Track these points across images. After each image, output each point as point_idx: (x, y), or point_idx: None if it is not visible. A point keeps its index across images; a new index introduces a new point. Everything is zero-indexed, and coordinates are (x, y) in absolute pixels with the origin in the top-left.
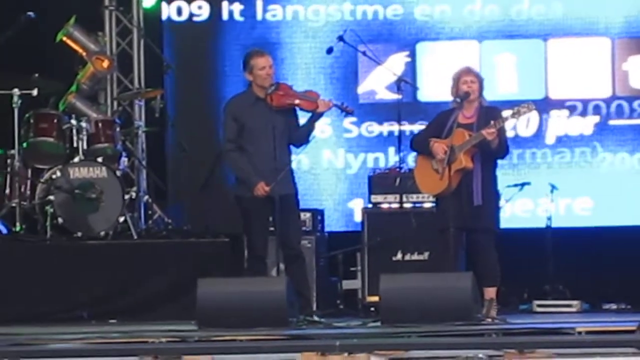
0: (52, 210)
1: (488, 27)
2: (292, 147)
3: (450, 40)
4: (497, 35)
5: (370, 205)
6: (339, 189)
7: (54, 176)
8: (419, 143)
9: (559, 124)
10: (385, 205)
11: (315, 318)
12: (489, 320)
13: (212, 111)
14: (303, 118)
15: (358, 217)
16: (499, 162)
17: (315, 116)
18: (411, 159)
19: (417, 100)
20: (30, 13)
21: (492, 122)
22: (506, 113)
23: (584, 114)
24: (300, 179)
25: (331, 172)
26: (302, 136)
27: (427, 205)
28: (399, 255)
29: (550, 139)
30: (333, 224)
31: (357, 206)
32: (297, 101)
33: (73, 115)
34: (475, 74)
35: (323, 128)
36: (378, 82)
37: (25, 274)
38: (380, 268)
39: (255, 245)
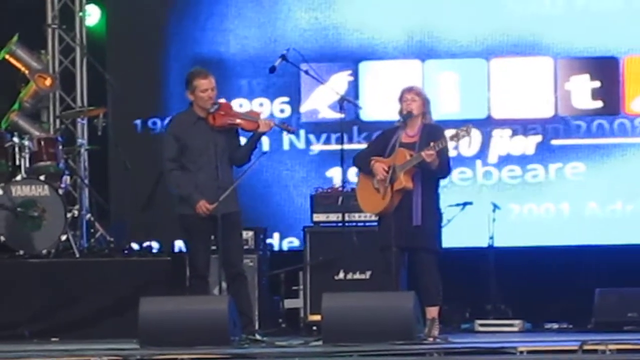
0: None
1: (431, 46)
2: (233, 164)
3: (393, 59)
4: (439, 54)
5: (312, 224)
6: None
7: None
8: (360, 161)
9: (502, 143)
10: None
11: (257, 337)
12: (431, 339)
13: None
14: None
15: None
16: (441, 181)
17: (256, 136)
18: (353, 177)
19: (360, 119)
20: None
21: (431, 143)
22: (447, 133)
23: (526, 133)
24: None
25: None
26: (244, 156)
27: (370, 224)
28: (341, 274)
29: (492, 158)
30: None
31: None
32: (238, 121)
33: (15, 133)
34: (416, 92)
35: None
36: (321, 101)
37: None
38: (322, 287)
39: (197, 264)
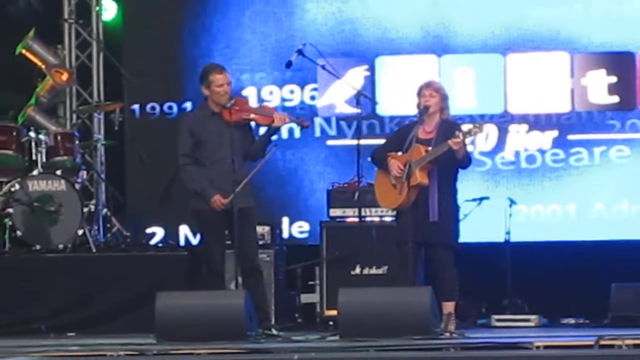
0: (10, 223)
1: (447, 41)
2: (248, 159)
3: (409, 54)
4: (456, 49)
5: (328, 219)
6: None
7: (12, 189)
8: (378, 157)
9: (518, 138)
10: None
11: (274, 332)
12: (447, 334)
13: (171, 124)
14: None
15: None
16: (459, 175)
17: (271, 131)
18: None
19: (377, 114)
20: None
21: (456, 132)
22: (463, 128)
23: (542, 128)
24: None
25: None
26: (258, 150)
27: (387, 219)
28: (358, 269)
29: (509, 153)
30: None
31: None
32: (252, 116)
33: (32, 128)
34: (434, 87)
35: None
36: (337, 96)
37: None
38: (338, 282)
39: (212, 259)
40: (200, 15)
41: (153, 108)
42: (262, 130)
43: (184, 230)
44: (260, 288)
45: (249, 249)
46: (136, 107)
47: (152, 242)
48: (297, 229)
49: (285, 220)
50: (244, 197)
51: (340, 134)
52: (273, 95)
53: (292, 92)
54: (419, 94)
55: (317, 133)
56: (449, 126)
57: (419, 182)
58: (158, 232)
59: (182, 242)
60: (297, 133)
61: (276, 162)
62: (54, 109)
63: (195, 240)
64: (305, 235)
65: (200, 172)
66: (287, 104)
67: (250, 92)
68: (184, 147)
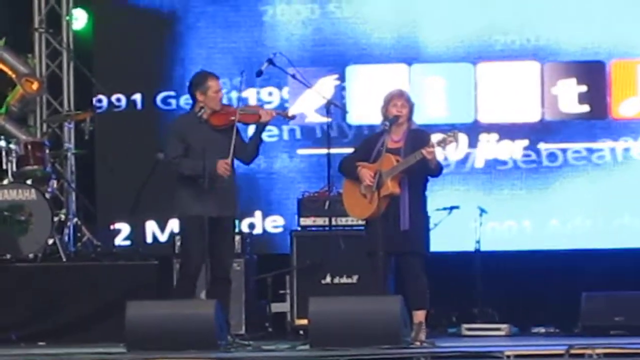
0: None
1: (417, 50)
2: (243, 163)
3: (380, 63)
4: (426, 58)
5: (298, 228)
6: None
7: None
8: (346, 167)
9: (488, 147)
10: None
11: (244, 341)
12: (418, 343)
13: (143, 133)
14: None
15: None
16: (429, 184)
17: (260, 127)
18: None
19: (347, 123)
20: None
21: (430, 142)
22: (433, 138)
23: (513, 137)
24: None
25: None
26: (252, 150)
27: (357, 228)
28: (328, 278)
29: (479, 162)
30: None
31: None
32: (239, 117)
33: (2, 137)
34: (406, 97)
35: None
36: (308, 105)
37: None
38: (309, 291)
39: (190, 265)
40: (170, 25)
41: (119, 100)
42: (251, 130)
43: (150, 227)
44: (227, 298)
45: (227, 259)
46: (103, 98)
47: (118, 238)
48: (270, 223)
49: (258, 215)
50: (228, 206)
51: (311, 143)
52: (251, 98)
53: (270, 94)
54: (389, 102)
55: (287, 138)
56: (417, 135)
57: (391, 192)
58: (123, 229)
59: (149, 239)
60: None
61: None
62: (25, 118)
63: (163, 237)
64: (280, 230)
65: (191, 159)
66: (267, 106)
67: (250, 94)
68: (175, 152)
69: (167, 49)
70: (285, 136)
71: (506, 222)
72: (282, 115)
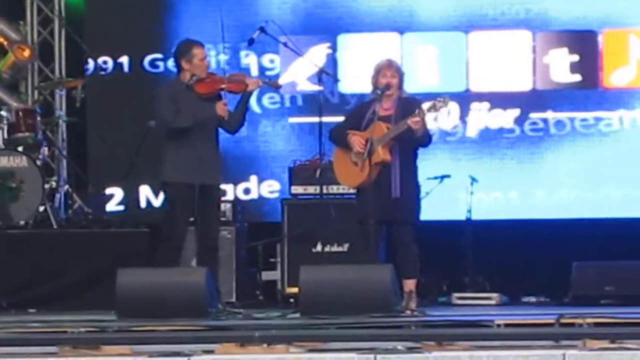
0: None
1: (409, 19)
2: (228, 132)
3: (371, 32)
4: (418, 27)
5: (290, 197)
6: None
7: None
8: (337, 135)
9: (480, 116)
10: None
11: (235, 309)
12: (408, 312)
13: (134, 101)
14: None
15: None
16: (420, 153)
17: (246, 96)
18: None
19: (339, 91)
20: None
21: (416, 111)
22: (424, 106)
23: (504, 106)
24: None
25: None
26: (237, 119)
27: (348, 196)
28: (319, 247)
29: (470, 131)
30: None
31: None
32: (224, 85)
33: None
34: (395, 67)
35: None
36: (299, 73)
37: None
38: (300, 259)
39: (175, 233)
40: (163, 6)
41: (105, 62)
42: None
43: (144, 192)
44: (215, 266)
45: (212, 227)
46: (90, 61)
47: (112, 203)
48: (266, 188)
49: (253, 179)
50: (211, 173)
51: (302, 111)
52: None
53: (272, 61)
54: (379, 72)
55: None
56: (408, 103)
57: (382, 159)
58: (117, 193)
59: (142, 204)
60: (256, 108)
61: (239, 138)
62: (16, 85)
63: (157, 202)
64: (276, 195)
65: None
66: (268, 72)
67: (251, 60)
68: (170, 114)
69: (157, 14)
70: (287, 103)
71: (497, 191)
72: (269, 84)
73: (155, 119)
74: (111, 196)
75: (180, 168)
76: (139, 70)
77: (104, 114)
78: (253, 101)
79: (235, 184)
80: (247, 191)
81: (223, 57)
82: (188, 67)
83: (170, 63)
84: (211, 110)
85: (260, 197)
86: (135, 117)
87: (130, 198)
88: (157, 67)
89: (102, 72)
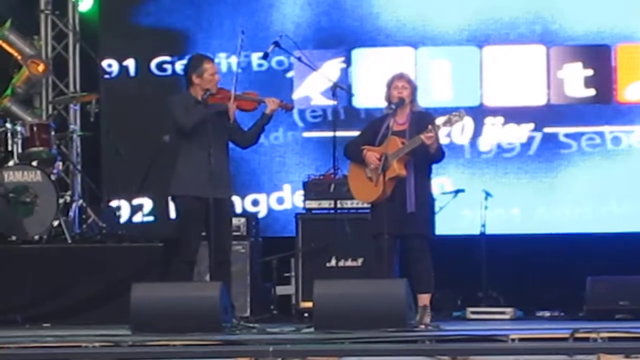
0: None
1: (423, 34)
2: (238, 147)
3: (386, 46)
4: (432, 42)
5: (304, 211)
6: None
7: None
8: (352, 151)
9: (494, 131)
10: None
11: (249, 324)
12: (423, 326)
13: (147, 115)
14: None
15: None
16: (434, 167)
17: (265, 119)
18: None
19: (353, 106)
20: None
21: (429, 126)
22: (438, 121)
23: (519, 121)
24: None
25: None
26: (251, 138)
27: (362, 211)
28: (333, 262)
29: (485, 146)
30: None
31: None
32: (236, 102)
33: (8, 119)
34: (407, 79)
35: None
36: (313, 88)
37: None
38: (314, 274)
39: (186, 248)
40: (177, 5)
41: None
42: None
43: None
44: (229, 280)
45: (224, 241)
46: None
47: (140, 214)
48: (275, 199)
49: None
50: (222, 187)
51: (317, 126)
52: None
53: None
54: (390, 85)
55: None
56: (422, 117)
57: (397, 174)
58: (146, 204)
59: (172, 215)
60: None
61: (252, 153)
62: (30, 100)
63: None
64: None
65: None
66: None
67: None
68: (184, 116)
69: (173, 29)
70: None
71: (512, 205)
72: (282, 106)
73: (169, 133)
74: (140, 206)
75: (191, 181)
76: (146, 74)
77: (115, 123)
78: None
79: (243, 197)
80: (280, 200)
81: (234, 60)
82: (199, 81)
83: (179, 66)
84: (221, 125)
85: (270, 212)
86: (146, 126)
87: (160, 209)
88: (165, 70)
89: (107, 76)
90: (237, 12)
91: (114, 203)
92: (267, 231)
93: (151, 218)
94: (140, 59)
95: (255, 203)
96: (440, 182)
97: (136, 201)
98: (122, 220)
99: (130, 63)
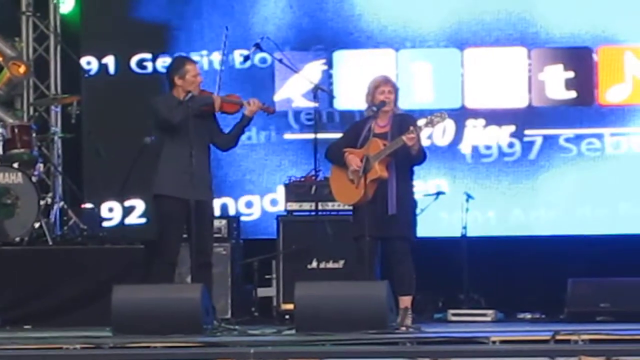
0: None
1: (404, 36)
2: (218, 149)
3: (367, 48)
4: (413, 43)
5: (285, 213)
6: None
7: None
8: (333, 153)
9: (475, 133)
10: (301, 213)
11: (230, 326)
12: (404, 328)
13: (128, 115)
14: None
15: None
16: (415, 169)
17: (245, 121)
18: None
19: (334, 108)
20: None
21: (410, 127)
22: (420, 122)
23: (500, 123)
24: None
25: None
26: (231, 140)
27: (343, 213)
28: (314, 263)
29: (466, 148)
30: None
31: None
32: (218, 104)
33: None
34: (392, 84)
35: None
36: (295, 90)
37: None
38: (295, 276)
39: (167, 249)
40: (159, 7)
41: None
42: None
43: None
44: (210, 282)
45: (206, 243)
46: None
47: (133, 215)
48: (268, 200)
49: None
50: (203, 190)
51: (298, 128)
52: None
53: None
54: (375, 89)
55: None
56: (403, 119)
57: (379, 176)
58: (138, 206)
59: None
60: (260, 134)
61: (233, 156)
62: (11, 101)
63: None
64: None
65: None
66: None
67: None
68: (164, 110)
69: (155, 32)
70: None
71: (492, 208)
72: (264, 109)
73: (151, 136)
74: (132, 208)
75: (173, 182)
76: (126, 72)
77: (96, 123)
78: None
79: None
80: (274, 202)
81: (216, 57)
82: (181, 83)
83: (160, 63)
84: (202, 127)
85: (239, 214)
86: (127, 126)
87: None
88: (145, 67)
89: (86, 75)
90: (217, 10)
91: (106, 205)
92: (262, 233)
93: (144, 220)
94: (120, 56)
95: (248, 205)
96: (438, 183)
97: (128, 203)
98: (114, 222)
99: (109, 60)
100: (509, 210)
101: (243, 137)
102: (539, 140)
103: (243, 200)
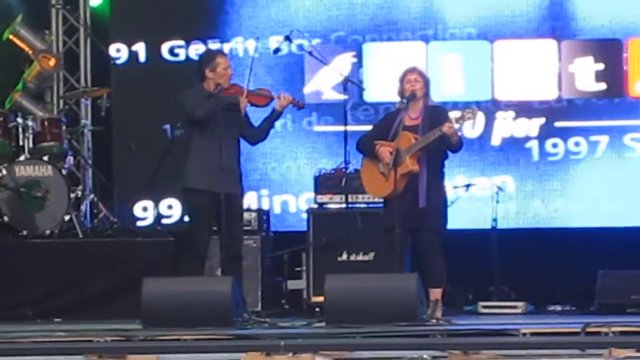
0: None
1: (435, 28)
2: (248, 143)
3: (397, 41)
4: (444, 36)
5: (315, 206)
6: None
7: None
8: (364, 146)
9: (505, 125)
10: (331, 206)
11: (260, 318)
12: (434, 321)
13: (159, 107)
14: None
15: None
16: (446, 163)
17: (275, 115)
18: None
19: (364, 100)
20: None
21: (449, 117)
22: (451, 116)
23: (530, 115)
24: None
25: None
26: (260, 133)
27: (373, 205)
28: (344, 256)
29: (496, 140)
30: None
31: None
32: (249, 97)
33: (19, 114)
34: (419, 72)
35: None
36: (324, 82)
37: None
38: (325, 268)
39: (197, 242)
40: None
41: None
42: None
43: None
44: (240, 275)
45: (236, 236)
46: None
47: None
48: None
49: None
50: (232, 184)
51: (328, 120)
52: None
53: None
54: (403, 79)
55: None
56: (435, 111)
57: (410, 169)
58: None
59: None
60: (289, 125)
61: (263, 147)
62: (41, 94)
63: None
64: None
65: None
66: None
67: None
68: (192, 101)
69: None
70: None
71: (523, 200)
72: (294, 104)
73: (180, 129)
74: (169, 207)
75: (203, 176)
76: (157, 60)
77: (126, 115)
78: None
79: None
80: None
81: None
82: (212, 75)
83: (192, 51)
84: (231, 120)
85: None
86: (160, 119)
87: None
88: (177, 55)
89: (115, 63)
90: (245, 7)
91: (139, 204)
92: (292, 225)
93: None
94: (151, 43)
95: (277, 196)
96: (451, 175)
97: (164, 202)
98: (148, 222)
99: (140, 48)
100: (540, 202)
101: (277, 126)
102: (569, 132)
103: (273, 192)
